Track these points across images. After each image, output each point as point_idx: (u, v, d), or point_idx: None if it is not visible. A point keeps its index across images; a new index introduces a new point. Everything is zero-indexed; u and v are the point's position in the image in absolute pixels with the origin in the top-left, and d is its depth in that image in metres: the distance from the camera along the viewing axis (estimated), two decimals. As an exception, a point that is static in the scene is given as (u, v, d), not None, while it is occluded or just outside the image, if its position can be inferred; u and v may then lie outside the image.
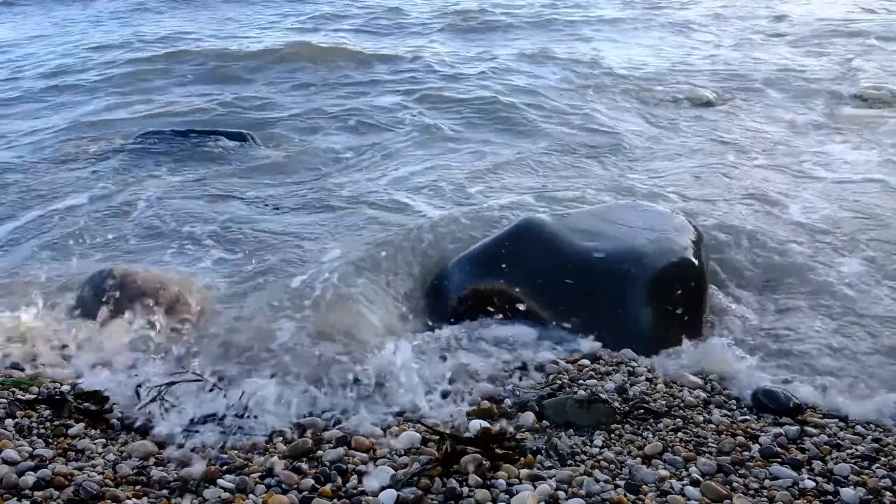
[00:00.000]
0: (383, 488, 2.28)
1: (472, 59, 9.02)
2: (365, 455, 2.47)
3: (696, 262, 3.66)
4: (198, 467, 2.37)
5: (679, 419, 2.74)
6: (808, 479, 2.39)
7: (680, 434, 2.65)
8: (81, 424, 2.61)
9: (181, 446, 2.52)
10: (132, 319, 3.33)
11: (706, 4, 12.40)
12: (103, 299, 3.38)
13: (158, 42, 10.10)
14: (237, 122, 6.70)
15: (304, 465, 2.41)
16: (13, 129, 6.72)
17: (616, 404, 2.80)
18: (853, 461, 2.49)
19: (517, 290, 3.56)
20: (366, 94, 7.60)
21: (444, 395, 2.92)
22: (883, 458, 2.50)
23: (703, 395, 2.93)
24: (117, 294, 3.39)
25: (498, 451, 2.44)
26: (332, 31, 10.82)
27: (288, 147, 6.14)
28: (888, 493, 2.32)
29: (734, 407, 2.86)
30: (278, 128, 6.57)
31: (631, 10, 12.20)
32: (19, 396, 2.75)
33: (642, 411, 2.78)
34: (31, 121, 7.03)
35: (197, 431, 2.60)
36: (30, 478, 2.25)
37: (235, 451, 2.50)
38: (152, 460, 2.44)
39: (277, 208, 4.92)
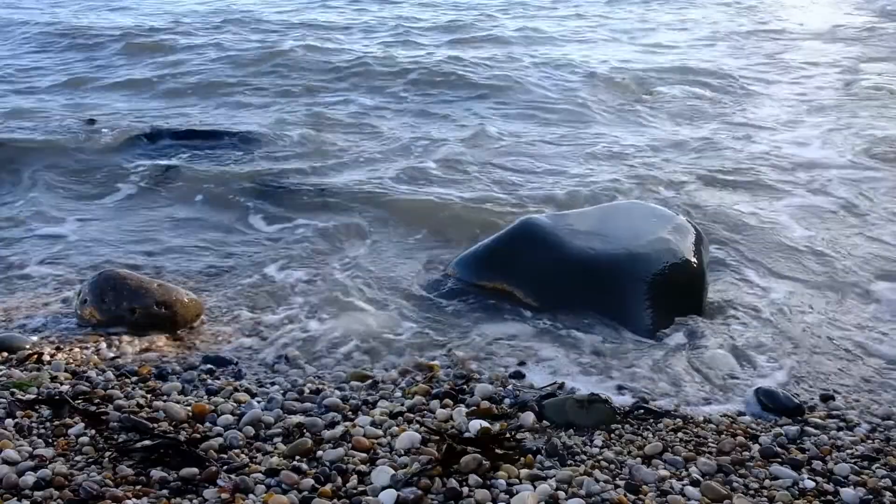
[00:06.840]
0: (384, 488, 2.28)
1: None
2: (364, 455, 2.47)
3: (696, 263, 3.67)
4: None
5: (679, 419, 2.74)
6: (808, 479, 2.39)
7: (680, 434, 2.65)
8: (81, 425, 2.60)
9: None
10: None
11: None
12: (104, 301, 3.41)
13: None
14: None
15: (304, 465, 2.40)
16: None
17: (616, 404, 2.80)
18: (853, 461, 2.49)
19: (517, 289, 3.62)
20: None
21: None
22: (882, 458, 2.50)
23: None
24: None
25: (498, 451, 2.44)
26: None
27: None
28: (888, 493, 2.32)
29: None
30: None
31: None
32: (19, 396, 2.74)
33: (642, 411, 2.78)
34: None
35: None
36: (30, 478, 2.25)
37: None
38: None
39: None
